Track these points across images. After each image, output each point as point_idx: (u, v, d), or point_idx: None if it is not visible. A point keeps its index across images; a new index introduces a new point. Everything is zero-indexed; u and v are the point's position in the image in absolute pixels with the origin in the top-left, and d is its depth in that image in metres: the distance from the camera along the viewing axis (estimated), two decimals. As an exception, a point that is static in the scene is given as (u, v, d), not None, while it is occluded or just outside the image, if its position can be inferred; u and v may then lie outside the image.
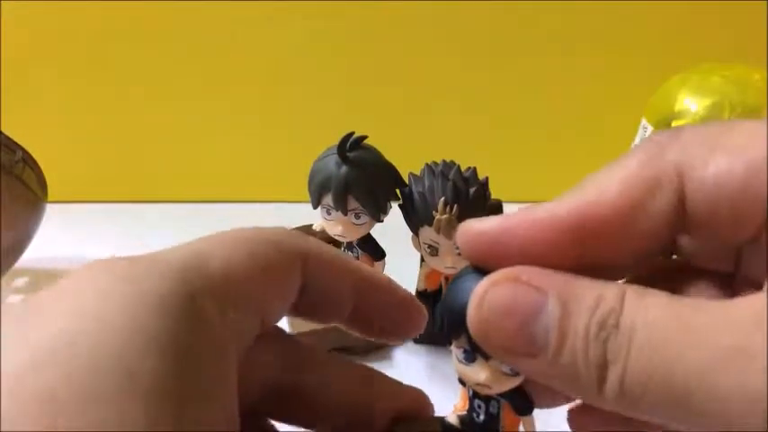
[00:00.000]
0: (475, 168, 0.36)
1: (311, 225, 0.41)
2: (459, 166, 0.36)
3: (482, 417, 0.26)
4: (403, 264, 0.39)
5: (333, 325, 0.38)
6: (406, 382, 0.37)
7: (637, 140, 0.54)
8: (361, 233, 0.38)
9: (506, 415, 0.26)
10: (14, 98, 0.62)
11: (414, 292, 0.39)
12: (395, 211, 0.37)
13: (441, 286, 0.38)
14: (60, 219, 0.51)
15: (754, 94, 0.48)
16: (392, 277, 0.42)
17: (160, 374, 0.15)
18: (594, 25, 0.61)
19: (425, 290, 0.39)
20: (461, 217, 0.35)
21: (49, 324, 0.16)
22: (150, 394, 0.15)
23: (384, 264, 0.39)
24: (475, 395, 0.26)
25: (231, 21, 0.62)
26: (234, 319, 0.19)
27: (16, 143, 0.45)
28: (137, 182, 0.66)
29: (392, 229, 0.38)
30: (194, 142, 0.66)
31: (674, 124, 0.50)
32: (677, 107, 0.50)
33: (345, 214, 0.36)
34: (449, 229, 0.35)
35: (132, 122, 0.65)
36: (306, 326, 0.38)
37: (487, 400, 0.26)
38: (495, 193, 0.37)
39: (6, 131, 0.45)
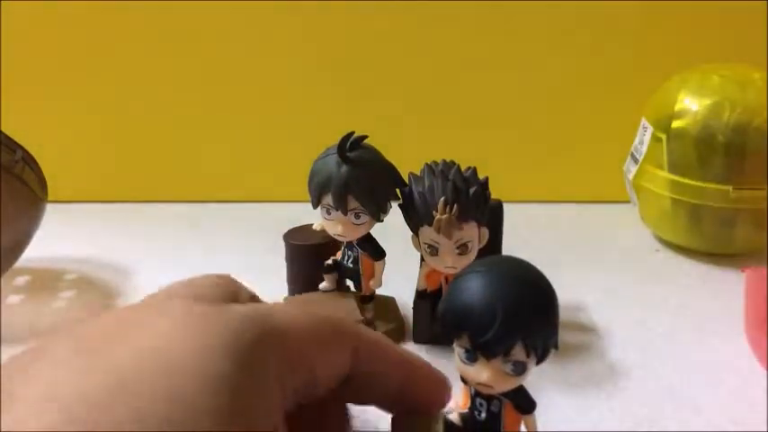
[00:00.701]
0: (475, 168, 0.36)
1: (311, 225, 0.41)
2: (459, 166, 0.36)
3: (484, 415, 0.26)
4: (403, 264, 0.39)
5: None
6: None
7: (637, 140, 0.54)
8: (361, 233, 0.38)
9: (508, 413, 0.26)
10: (14, 98, 0.62)
11: (414, 292, 0.39)
12: (395, 211, 0.37)
13: (441, 286, 0.38)
14: (60, 219, 0.51)
15: (754, 94, 0.48)
16: (392, 277, 0.43)
17: (214, 411, 0.17)
18: (595, 25, 0.61)
19: (425, 290, 0.39)
20: (461, 217, 0.35)
21: (118, 355, 0.18)
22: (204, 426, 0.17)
23: (384, 263, 0.39)
24: (477, 393, 0.26)
25: (231, 21, 0.62)
26: (284, 373, 0.21)
27: (16, 143, 0.45)
28: (137, 182, 0.66)
29: (392, 229, 0.38)
30: (194, 142, 0.66)
31: (674, 124, 0.50)
32: (677, 107, 0.50)
33: (345, 214, 0.36)
34: (449, 229, 0.35)
35: (132, 122, 0.65)
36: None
37: (489, 398, 0.26)
38: (495, 193, 0.37)
39: (6, 131, 0.45)
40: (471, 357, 0.24)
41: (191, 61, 0.63)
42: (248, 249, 0.53)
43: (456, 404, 0.27)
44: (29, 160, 0.46)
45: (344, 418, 0.26)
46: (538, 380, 0.36)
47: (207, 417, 0.17)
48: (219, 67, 0.63)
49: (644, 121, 0.53)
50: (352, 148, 0.36)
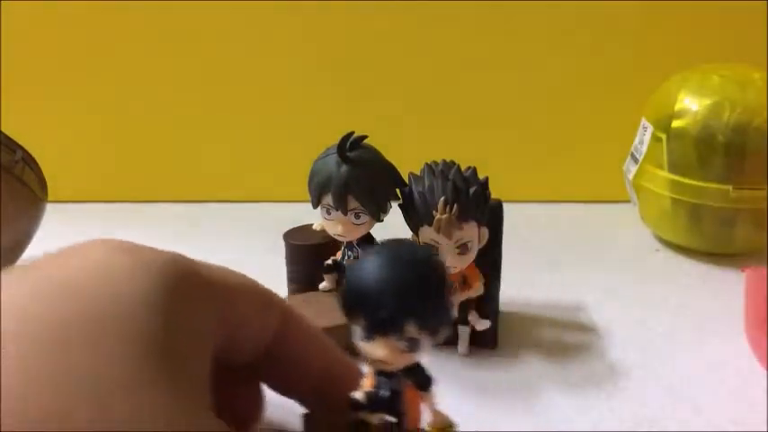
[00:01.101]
0: (475, 168, 0.36)
1: (311, 225, 0.41)
2: (459, 166, 0.36)
3: (386, 393, 0.27)
4: (403, 264, 0.39)
5: (331, 325, 0.39)
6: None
7: (637, 140, 0.54)
8: (361, 233, 0.38)
9: (408, 391, 0.27)
10: (14, 98, 0.62)
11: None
12: (395, 211, 0.37)
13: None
14: (60, 219, 0.51)
15: (754, 94, 0.48)
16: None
17: (152, 329, 0.18)
18: (595, 25, 0.61)
19: (425, 290, 0.39)
20: (461, 217, 0.35)
21: (56, 269, 0.19)
22: (141, 342, 0.18)
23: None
24: (380, 372, 0.27)
25: (231, 21, 0.62)
26: (210, 320, 0.22)
27: (16, 143, 0.45)
28: (137, 182, 0.66)
29: (392, 229, 0.38)
30: (194, 142, 0.66)
31: (674, 124, 0.50)
32: (677, 107, 0.50)
33: (345, 214, 0.36)
34: (449, 229, 0.35)
35: (132, 122, 0.65)
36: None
37: (390, 376, 0.27)
38: (495, 193, 0.37)
39: (6, 131, 0.45)
40: (369, 336, 0.25)
41: (191, 61, 0.63)
42: (248, 249, 0.53)
43: (362, 383, 0.28)
44: (29, 160, 0.46)
45: (257, 400, 0.27)
46: (538, 380, 0.36)
47: (144, 330, 0.18)
48: (219, 67, 0.63)
49: (644, 121, 0.53)
50: (352, 148, 0.36)
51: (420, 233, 0.36)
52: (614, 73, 0.62)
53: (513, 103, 0.63)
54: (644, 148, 0.52)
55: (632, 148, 0.55)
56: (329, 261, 0.40)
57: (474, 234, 0.36)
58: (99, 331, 0.17)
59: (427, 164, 0.37)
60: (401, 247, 0.26)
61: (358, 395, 0.27)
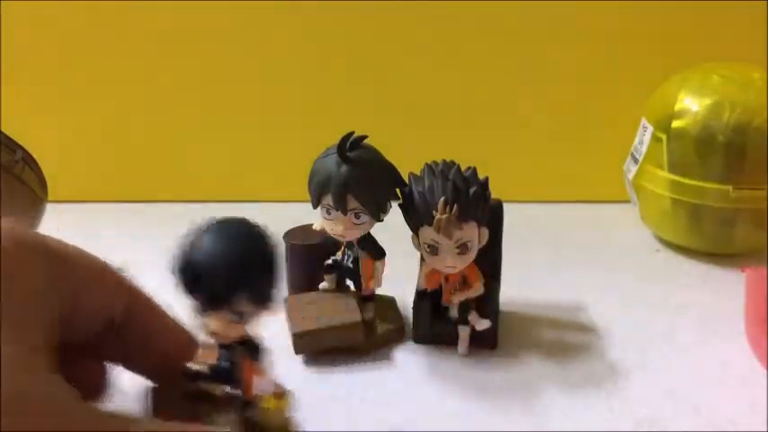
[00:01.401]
0: (475, 168, 0.36)
1: (311, 225, 0.41)
2: (459, 166, 0.36)
3: (226, 363, 0.30)
4: (403, 264, 0.39)
5: (332, 325, 0.39)
6: (406, 382, 0.38)
7: (637, 140, 0.54)
8: (361, 233, 0.38)
9: (244, 361, 0.30)
10: (14, 98, 0.62)
11: (414, 292, 0.39)
12: (395, 211, 0.37)
13: (440, 286, 0.38)
14: (60, 219, 0.51)
15: (754, 93, 0.48)
16: (392, 277, 0.42)
17: None
18: (595, 25, 0.61)
19: (425, 290, 0.39)
20: (461, 217, 0.35)
21: None
22: None
23: (384, 263, 0.39)
24: (220, 345, 0.30)
25: (231, 21, 0.62)
26: (49, 287, 0.24)
27: (16, 143, 0.45)
28: (137, 182, 0.66)
29: (392, 229, 0.38)
30: (194, 142, 0.66)
31: (674, 124, 0.50)
32: (677, 107, 0.50)
33: (345, 214, 0.36)
34: (449, 229, 0.35)
35: (132, 122, 0.65)
36: (305, 326, 0.38)
37: (228, 348, 0.29)
38: (495, 193, 0.37)
39: (6, 131, 0.45)
40: (203, 309, 0.27)
41: (191, 61, 0.63)
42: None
43: (204, 355, 0.31)
44: (29, 160, 0.46)
45: (103, 377, 0.29)
46: (538, 380, 0.36)
47: None
48: (219, 67, 0.63)
49: (644, 121, 0.53)
50: (352, 148, 0.36)
51: (420, 233, 0.36)
52: (614, 73, 0.62)
53: (513, 103, 0.63)
54: (644, 149, 0.52)
55: (632, 149, 0.55)
56: (329, 261, 0.40)
57: (474, 234, 0.36)
58: None
59: (427, 164, 0.37)
60: (233, 224, 0.28)
61: (195, 366, 0.30)
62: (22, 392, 0.20)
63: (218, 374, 0.30)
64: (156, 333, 0.30)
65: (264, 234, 0.28)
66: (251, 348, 0.30)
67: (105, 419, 0.24)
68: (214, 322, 0.27)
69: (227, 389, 0.30)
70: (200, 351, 0.31)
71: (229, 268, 0.26)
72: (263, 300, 0.28)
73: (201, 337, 0.29)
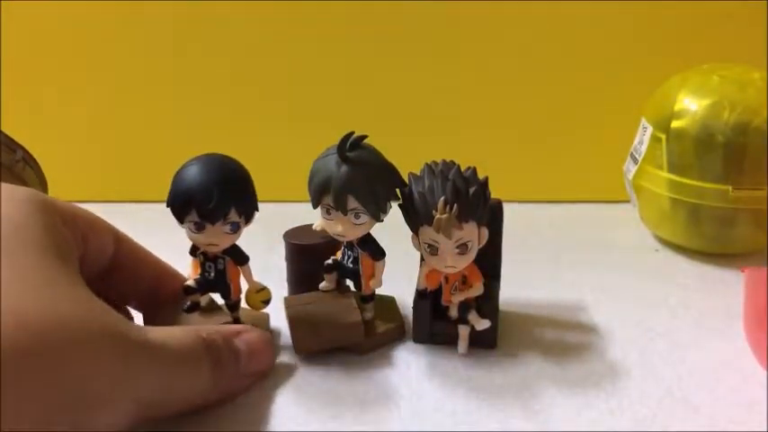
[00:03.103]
0: (475, 168, 0.36)
1: (311, 225, 0.41)
2: (459, 166, 0.36)
3: (213, 274, 0.36)
4: (403, 264, 0.39)
5: (332, 325, 0.40)
6: (405, 381, 0.38)
7: (636, 140, 0.54)
8: (361, 233, 0.38)
9: (230, 267, 0.36)
10: (14, 98, 0.62)
11: (414, 292, 0.39)
12: (395, 211, 0.37)
13: (441, 286, 0.38)
14: (60, 219, 0.51)
15: (754, 94, 0.48)
16: (392, 277, 0.42)
17: (39, 236, 0.26)
18: (594, 25, 0.61)
19: (425, 290, 0.39)
20: (461, 217, 0.35)
21: None
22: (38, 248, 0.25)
23: (384, 263, 0.39)
24: (206, 258, 0.36)
25: (231, 21, 0.62)
26: (68, 233, 0.29)
27: (16, 143, 0.45)
28: (137, 182, 0.66)
29: (392, 229, 0.38)
30: (194, 142, 0.65)
31: (673, 124, 0.50)
32: (677, 107, 0.50)
33: (345, 214, 0.36)
34: (449, 229, 0.35)
35: (132, 123, 0.65)
36: (305, 326, 0.38)
37: (214, 259, 0.36)
38: (495, 193, 0.37)
39: (6, 131, 0.45)
40: (200, 227, 0.34)
41: (191, 61, 0.63)
42: (248, 249, 0.53)
43: (189, 274, 0.37)
44: (29, 160, 0.46)
45: None
46: (538, 380, 0.36)
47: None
48: (219, 67, 0.63)
49: (644, 121, 0.53)
50: (352, 148, 0.36)
51: (420, 233, 0.36)
52: (614, 73, 0.62)
53: (513, 104, 0.63)
54: (643, 149, 0.52)
55: (632, 149, 0.55)
56: (329, 261, 0.40)
57: (474, 234, 0.36)
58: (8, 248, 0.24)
59: (427, 164, 0.37)
60: (210, 157, 0.35)
61: (189, 282, 0.36)
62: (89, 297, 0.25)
63: (206, 285, 0.36)
64: (144, 266, 0.36)
65: (238, 162, 0.35)
66: (236, 255, 0.36)
67: (171, 329, 0.29)
68: (212, 237, 0.34)
69: (211, 296, 0.38)
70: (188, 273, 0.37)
71: (222, 186, 0.33)
72: (249, 212, 0.35)
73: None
